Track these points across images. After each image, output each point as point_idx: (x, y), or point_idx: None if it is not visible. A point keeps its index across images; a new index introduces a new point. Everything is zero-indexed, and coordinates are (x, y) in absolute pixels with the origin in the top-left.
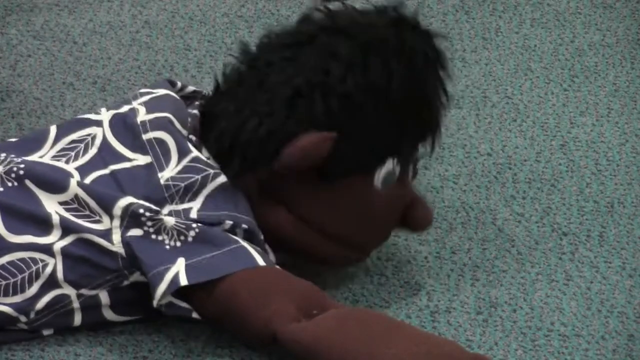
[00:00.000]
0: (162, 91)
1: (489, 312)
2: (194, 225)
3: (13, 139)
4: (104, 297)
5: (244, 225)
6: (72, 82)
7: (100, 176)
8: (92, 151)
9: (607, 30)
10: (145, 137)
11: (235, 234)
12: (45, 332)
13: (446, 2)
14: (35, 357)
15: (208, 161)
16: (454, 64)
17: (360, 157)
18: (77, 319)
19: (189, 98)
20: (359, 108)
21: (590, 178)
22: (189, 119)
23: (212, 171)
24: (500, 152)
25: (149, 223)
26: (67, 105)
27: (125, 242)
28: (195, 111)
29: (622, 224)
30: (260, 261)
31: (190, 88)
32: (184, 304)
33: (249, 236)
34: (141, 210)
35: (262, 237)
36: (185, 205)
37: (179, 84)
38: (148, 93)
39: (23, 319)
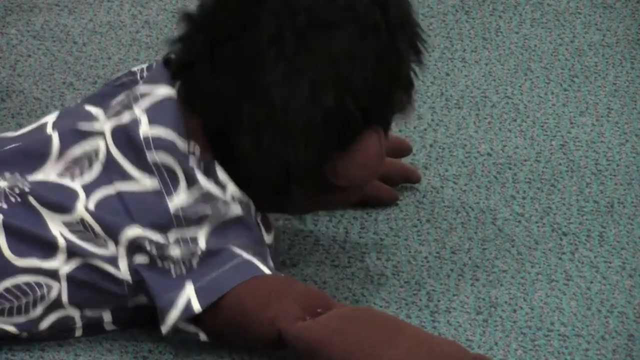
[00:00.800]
0: (162, 91)
1: (489, 312)
2: (197, 250)
3: (9, 134)
4: (106, 316)
5: (251, 251)
6: (72, 82)
7: (107, 197)
8: (97, 167)
9: (607, 30)
10: (149, 157)
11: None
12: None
13: (446, 2)
14: (35, 357)
15: (218, 194)
16: (454, 64)
17: None
18: (78, 333)
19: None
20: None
21: (590, 178)
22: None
23: (222, 206)
24: (500, 152)
25: (155, 254)
26: (67, 105)
27: (133, 269)
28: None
29: (622, 224)
30: (266, 270)
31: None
32: (191, 327)
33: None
34: (147, 246)
35: (271, 263)
36: (192, 233)
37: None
38: (148, 94)
39: (25, 335)
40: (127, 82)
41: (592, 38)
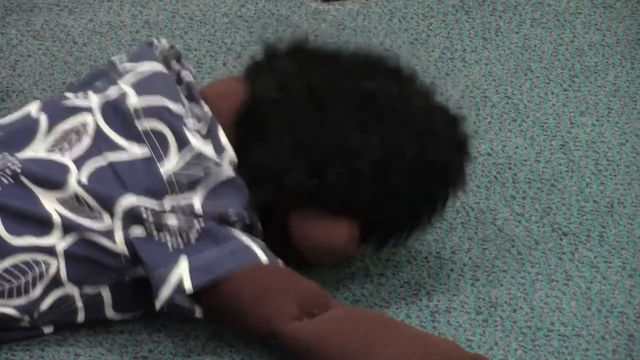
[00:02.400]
0: (147, 65)
1: (489, 312)
2: (197, 225)
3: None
4: (106, 294)
5: (247, 220)
6: (72, 82)
7: (98, 168)
8: (86, 140)
9: (607, 30)
10: (139, 126)
11: (235, 226)
12: (46, 330)
13: (446, 2)
14: (35, 357)
15: (211, 154)
16: (454, 64)
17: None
18: (80, 317)
19: (168, 56)
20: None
21: (590, 178)
22: (184, 92)
23: (214, 167)
24: (500, 152)
25: (151, 222)
26: None
27: (129, 242)
28: (190, 79)
29: (622, 224)
30: (263, 257)
31: (165, 43)
32: (186, 303)
33: (249, 229)
34: (143, 214)
35: (260, 228)
36: (187, 198)
37: (157, 43)
38: (133, 69)
39: (27, 318)
40: (106, 70)
41: (592, 38)
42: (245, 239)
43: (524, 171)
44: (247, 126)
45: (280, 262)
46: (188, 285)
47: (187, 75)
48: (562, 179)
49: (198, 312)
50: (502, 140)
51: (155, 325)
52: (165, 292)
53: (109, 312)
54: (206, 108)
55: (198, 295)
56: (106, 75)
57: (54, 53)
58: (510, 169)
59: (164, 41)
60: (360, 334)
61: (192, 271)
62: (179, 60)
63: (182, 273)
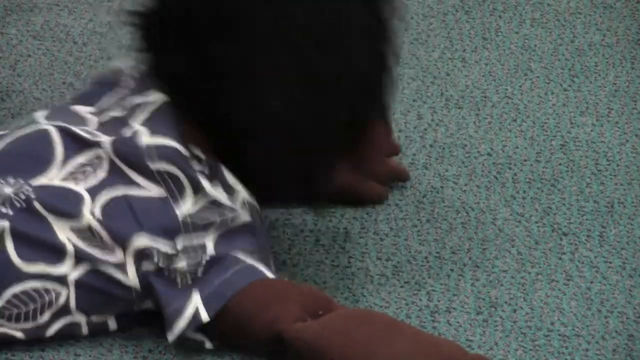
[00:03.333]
0: (156, 97)
1: (489, 312)
2: (204, 261)
3: (7, 136)
4: (112, 323)
5: (255, 256)
6: (72, 82)
7: (113, 200)
8: (101, 174)
9: (607, 30)
10: (153, 166)
11: None
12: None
13: (446, 2)
14: (35, 357)
15: (225, 202)
16: (454, 64)
17: None
18: (82, 336)
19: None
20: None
21: (590, 178)
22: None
23: (229, 213)
24: (500, 152)
25: (162, 263)
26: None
27: (141, 276)
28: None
29: (622, 224)
30: (269, 274)
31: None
32: (198, 335)
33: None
34: (155, 257)
35: (273, 267)
36: (200, 239)
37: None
38: (144, 104)
39: (31, 340)
40: (112, 82)
41: (592, 38)
42: (250, 260)
43: (524, 171)
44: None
45: (283, 277)
46: (204, 315)
47: None
48: (562, 179)
49: (208, 345)
50: (502, 140)
51: (156, 325)
52: (181, 324)
53: (112, 330)
54: (197, 150)
55: (212, 323)
56: (111, 88)
57: (54, 53)
58: (510, 169)
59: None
60: (363, 335)
61: (205, 301)
62: None
63: (196, 304)
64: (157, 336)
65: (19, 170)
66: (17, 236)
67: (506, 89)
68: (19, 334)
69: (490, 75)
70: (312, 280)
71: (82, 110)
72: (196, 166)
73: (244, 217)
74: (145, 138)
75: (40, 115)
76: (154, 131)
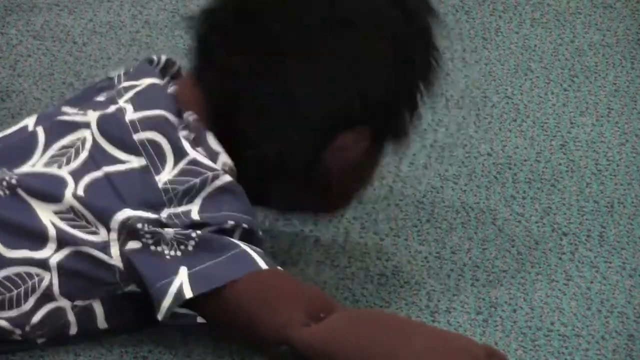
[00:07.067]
0: (146, 81)
1: (489, 312)
2: (193, 234)
3: None
4: (97, 307)
5: (245, 225)
6: (72, 82)
7: (95, 180)
8: (84, 154)
9: (607, 30)
10: (136, 137)
11: (234, 233)
12: (39, 341)
13: (446, 2)
14: (35, 357)
15: (205, 161)
16: (454, 64)
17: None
18: (73, 330)
19: (166, 68)
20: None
21: (590, 178)
22: (179, 106)
23: (210, 173)
24: (500, 152)
25: (148, 235)
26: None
27: (125, 256)
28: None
29: (622, 224)
30: (263, 264)
31: (163, 58)
32: (187, 311)
33: (248, 236)
34: (139, 225)
35: (261, 234)
36: (184, 208)
37: (157, 59)
38: (132, 87)
39: (18, 331)
40: (105, 87)
41: (592, 38)
42: (244, 246)
43: (524, 171)
44: (226, 123)
45: (279, 267)
46: (188, 292)
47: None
48: (562, 179)
49: (199, 319)
50: (502, 140)
51: (155, 326)
52: (166, 303)
53: (102, 325)
54: (191, 116)
55: (198, 301)
56: (105, 91)
57: (54, 53)
58: (510, 169)
59: (163, 57)
60: (378, 334)
61: (192, 279)
62: (178, 76)
63: (182, 280)
64: (157, 336)
65: (3, 161)
66: (0, 223)
67: (506, 89)
68: (4, 323)
69: (490, 75)
70: (312, 280)
71: (70, 110)
72: (183, 132)
73: (226, 177)
74: (130, 114)
75: (29, 121)
76: (138, 106)
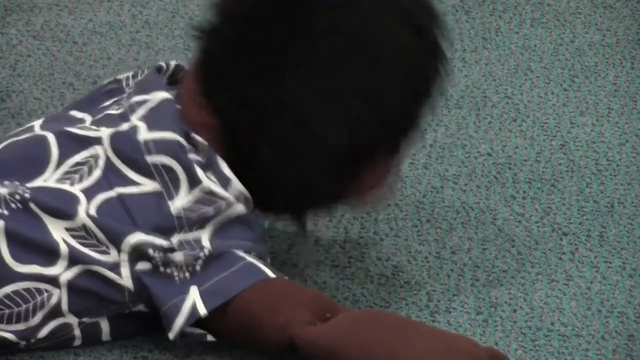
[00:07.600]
0: (158, 95)
1: (489, 312)
2: (201, 253)
3: (6, 142)
4: (103, 324)
5: (253, 253)
6: (72, 82)
7: (107, 200)
8: (97, 173)
9: (607, 30)
10: (149, 159)
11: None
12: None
13: (446, 2)
14: (35, 357)
15: (219, 190)
16: (454, 64)
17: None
18: (77, 343)
19: (175, 74)
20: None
21: (590, 178)
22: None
23: (224, 202)
24: (500, 152)
25: (157, 258)
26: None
27: (135, 277)
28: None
29: (622, 224)
30: (270, 274)
31: (172, 64)
32: (198, 330)
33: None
34: (150, 251)
35: (269, 260)
36: (195, 234)
37: (165, 66)
38: (144, 102)
39: (23, 343)
40: (113, 90)
41: (592, 38)
42: (250, 259)
43: (524, 171)
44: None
45: (284, 276)
46: (202, 309)
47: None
48: (562, 179)
49: (210, 337)
50: (502, 140)
51: (154, 327)
52: (179, 320)
53: (105, 338)
54: (201, 140)
55: (209, 316)
56: (113, 95)
57: (54, 53)
58: (510, 169)
59: (172, 63)
60: (380, 334)
61: (203, 295)
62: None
63: (194, 299)
64: (157, 336)
65: (15, 173)
66: (11, 236)
67: (506, 89)
68: (11, 336)
69: (490, 75)
70: (312, 280)
71: (78, 114)
72: (193, 156)
73: (239, 208)
74: (144, 133)
75: (36, 124)
76: (152, 126)
